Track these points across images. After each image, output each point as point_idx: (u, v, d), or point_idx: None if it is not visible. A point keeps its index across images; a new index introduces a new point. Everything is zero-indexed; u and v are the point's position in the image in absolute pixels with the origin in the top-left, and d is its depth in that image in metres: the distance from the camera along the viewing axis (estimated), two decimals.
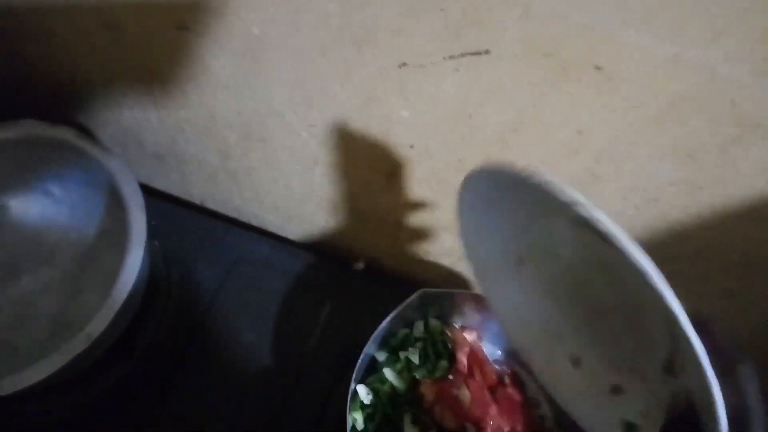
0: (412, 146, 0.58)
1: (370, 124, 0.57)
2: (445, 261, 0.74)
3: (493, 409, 0.64)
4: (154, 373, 0.70)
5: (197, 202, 0.85)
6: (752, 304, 0.58)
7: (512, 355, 0.70)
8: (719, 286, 0.59)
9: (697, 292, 0.60)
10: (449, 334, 0.68)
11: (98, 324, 0.57)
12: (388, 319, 0.60)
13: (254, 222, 0.84)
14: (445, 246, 0.71)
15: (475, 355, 0.68)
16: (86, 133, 0.78)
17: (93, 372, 0.65)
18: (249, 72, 0.57)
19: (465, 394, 0.65)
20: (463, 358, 0.67)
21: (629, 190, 0.53)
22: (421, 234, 0.71)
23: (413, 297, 0.62)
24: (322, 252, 0.82)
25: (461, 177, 0.59)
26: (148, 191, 0.86)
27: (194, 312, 0.74)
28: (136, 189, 0.63)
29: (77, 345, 0.57)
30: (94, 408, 0.67)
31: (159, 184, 0.85)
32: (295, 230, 0.82)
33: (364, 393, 0.63)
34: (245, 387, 0.70)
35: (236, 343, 0.73)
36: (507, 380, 0.68)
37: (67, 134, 0.64)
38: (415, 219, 0.69)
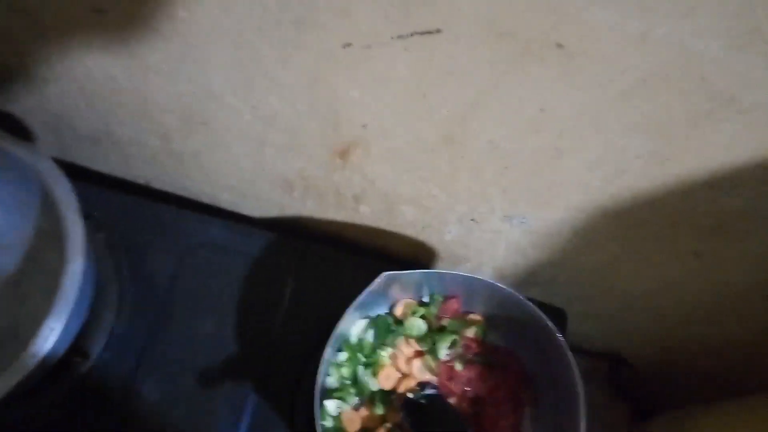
0: (365, 126, 0.54)
1: (318, 105, 0.53)
2: (409, 231, 0.72)
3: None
4: (114, 372, 0.67)
5: (142, 182, 0.80)
6: (717, 266, 0.58)
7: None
8: (687, 248, 0.58)
9: (666, 251, 0.60)
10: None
11: (46, 339, 0.54)
12: (347, 315, 0.58)
13: (206, 200, 0.80)
14: (407, 218, 0.69)
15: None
16: (16, 121, 0.72)
17: (47, 380, 0.62)
18: (181, 56, 0.52)
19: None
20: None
21: (595, 164, 0.50)
22: (381, 207, 0.68)
23: (374, 284, 0.59)
24: (282, 228, 0.78)
25: (421, 155, 0.56)
26: (88, 175, 0.80)
27: (150, 304, 0.71)
28: (68, 190, 0.58)
29: (26, 363, 0.54)
30: (52, 416, 0.64)
31: (99, 165, 0.79)
32: (251, 207, 0.78)
33: (332, 408, 0.63)
34: (211, 380, 0.68)
35: (198, 333, 0.70)
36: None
37: None
38: (374, 193, 0.66)
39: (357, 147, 0.58)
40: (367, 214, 0.71)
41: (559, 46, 0.40)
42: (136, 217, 0.74)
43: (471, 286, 0.65)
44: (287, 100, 0.53)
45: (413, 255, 0.76)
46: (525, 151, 0.51)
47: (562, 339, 0.61)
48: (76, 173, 0.67)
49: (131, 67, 0.55)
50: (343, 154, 0.60)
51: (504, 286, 0.62)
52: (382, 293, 0.67)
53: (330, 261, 0.75)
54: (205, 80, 0.54)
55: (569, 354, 0.60)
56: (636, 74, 0.40)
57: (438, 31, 0.41)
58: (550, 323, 0.61)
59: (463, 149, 0.53)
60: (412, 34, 0.42)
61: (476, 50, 0.42)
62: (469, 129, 0.50)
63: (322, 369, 0.58)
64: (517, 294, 0.61)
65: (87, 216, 0.68)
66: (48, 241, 0.65)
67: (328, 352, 0.59)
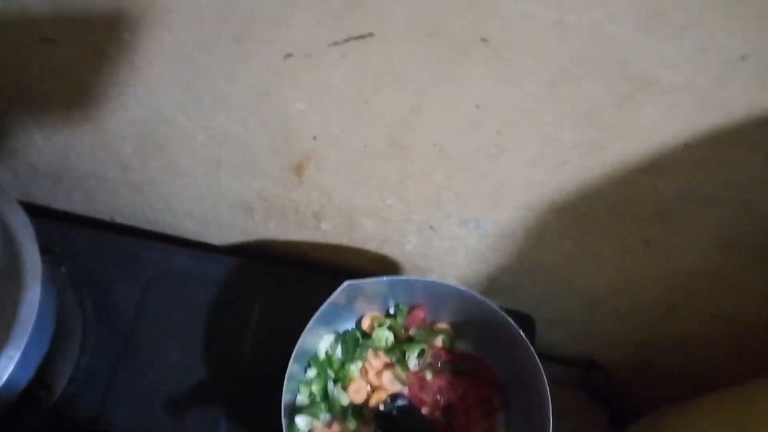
0: (314, 138, 0.56)
1: (267, 120, 0.55)
2: (371, 246, 0.73)
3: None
4: (81, 405, 0.66)
5: (106, 218, 0.80)
6: (667, 254, 0.60)
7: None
8: (636, 238, 0.60)
9: (616, 244, 0.62)
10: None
11: (5, 368, 0.53)
12: (309, 327, 0.59)
13: (170, 231, 0.80)
14: (368, 232, 0.70)
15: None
16: None
17: (12, 415, 0.61)
18: (130, 79, 0.53)
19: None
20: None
21: (536, 158, 0.52)
22: (341, 223, 0.69)
23: (335, 294, 0.60)
24: (246, 254, 0.79)
25: (371, 163, 0.58)
26: (50, 214, 0.81)
27: (116, 336, 0.70)
28: (24, 221, 0.58)
29: None
30: None
31: (62, 204, 0.80)
32: (215, 235, 0.79)
33: (303, 424, 0.63)
34: (182, 408, 0.67)
35: (166, 363, 0.69)
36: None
37: None
38: (332, 209, 0.67)
39: (310, 161, 0.59)
40: (328, 231, 0.72)
41: (484, 40, 0.42)
42: (99, 250, 0.75)
43: (436, 293, 0.66)
44: (236, 117, 0.55)
45: (378, 270, 0.76)
46: (469, 152, 0.53)
47: (525, 339, 0.61)
48: (39, 212, 0.68)
49: (82, 96, 0.56)
50: (298, 169, 0.61)
51: (467, 289, 0.62)
52: (348, 307, 0.68)
53: (295, 282, 0.75)
54: (156, 102, 0.55)
55: (535, 356, 0.61)
56: (558, 63, 0.42)
57: (370, 34, 0.43)
58: (513, 324, 0.62)
59: (411, 154, 0.55)
60: (347, 40, 0.44)
61: (409, 51, 0.44)
62: (413, 133, 0.52)
63: (286, 385, 0.58)
64: (480, 296, 0.62)
65: (48, 250, 0.68)
66: (7, 277, 0.65)
67: (291, 366, 0.59)
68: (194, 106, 0.54)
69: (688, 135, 0.46)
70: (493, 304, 0.62)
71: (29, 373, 0.59)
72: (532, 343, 0.76)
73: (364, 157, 0.57)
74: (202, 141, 0.59)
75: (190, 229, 0.79)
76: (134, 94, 0.55)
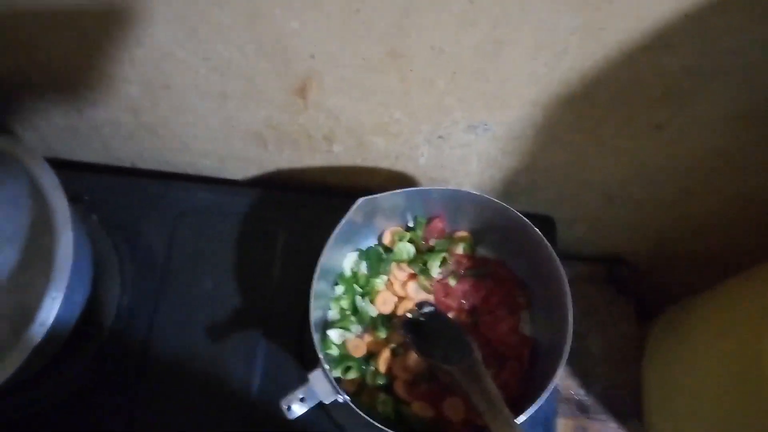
0: (312, 56, 0.56)
1: (264, 43, 0.55)
2: (385, 164, 0.74)
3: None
4: (128, 340, 0.71)
5: (128, 165, 0.83)
6: (679, 135, 0.59)
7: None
8: (647, 123, 0.59)
9: (627, 133, 0.61)
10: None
11: (50, 308, 0.57)
12: (329, 245, 0.61)
13: (190, 171, 0.82)
14: (380, 149, 0.70)
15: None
16: None
17: (66, 353, 0.65)
18: (126, 17, 0.53)
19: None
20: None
21: (536, 49, 0.51)
22: (352, 143, 0.70)
23: (351, 211, 0.62)
24: (265, 184, 0.81)
25: (372, 77, 0.58)
26: (75, 166, 0.83)
27: (151, 274, 0.74)
28: (49, 173, 0.61)
29: (36, 332, 0.57)
30: (79, 385, 0.68)
31: (83, 156, 0.82)
32: (232, 170, 0.81)
33: (335, 336, 0.66)
34: (221, 333, 0.71)
35: (201, 293, 0.73)
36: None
37: None
38: (341, 130, 0.67)
39: (312, 82, 0.60)
40: (341, 153, 0.73)
41: None
42: (125, 195, 0.78)
43: (453, 201, 0.67)
44: (234, 44, 0.55)
45: (395, 188, 0.77)
46: (467, 51, 0.52)
47: (543, 238, 0.62)
48: (63, 165, 0.70)
49: (84, 40, 0.57)
50: (301, 91, 0.61)
51: (482, 194, 0.63)
52: (368, 224, 0.70)
53: (316, 207, 0.77)
54: (152, 38, 0.56)
55: (553, 252, 0.62)
56: None
57: None
58: (530, 224, 0.63)
59: (410, 62, 0.55)
60: None
61: None
62: (409, 38, 0.52)
63: (312, 302, 0.60)
64: (496, 200, 0.63)
65: (78, 199, 0.71)
66: (42, 227, 0.68)
67: (316, 284, 0.61)
68: (190, 37, 0.55)
69: (688, 4, 0.45)
70: (510, 207, 0.63)
71: (75, 312, 0.63)
72: (553, 243, 0.77)
73: (364, 72, 0.57)
74: (204, 73, 0.60)
75: (209, 167, 0.81)
76: (133, 34, 0.55)
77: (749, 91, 0.52)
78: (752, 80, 0.50)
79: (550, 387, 0.57)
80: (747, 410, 0.59)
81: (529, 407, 0.56)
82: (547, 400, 0.70)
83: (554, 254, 0.62)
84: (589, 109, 0.58)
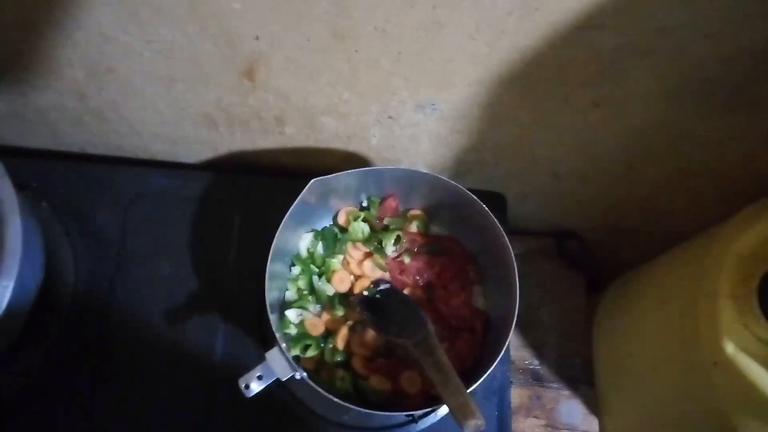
0: (257, 38, 0.56)
1: (207, 25, 0.55)
2: (337, 144, 0.75)
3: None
4: (86, 326, 0.71)
5: (77, 150, 0.82)
6: (616, 111, 0.61)
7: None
8: (585, 100, 0.61)
9: (568, 108, 0.63)
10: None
11: (2, 297, 0.57)
12: (283, 225, 0.61)
13: (142, 155, 0.82)
14: (331, 130, 0.71)
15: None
16: None
17: (23, 341, 0.65)
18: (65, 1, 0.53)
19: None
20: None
21: (475, 30, 0.52)
22: (303, 124, 0.70)
23: (304, 192, 0.62)
24: (219, 167, 0.81)
25: (318, 57, 0.58)
26: (22, 152, 0.82)
27: (106, 260, 0.74)
28: None
29: None
30: (38, 372, 0.68)
31: (32, 142, 0.81)
32: (185, 153, 0.80)
33: (293, 316, 0.67)
34: (180, 317, 0.72)
35: (158, 278, 0.73)
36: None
37: None
38: (292, 111, 0.68)
39: (259, 63, 0.60)
40: (294, 135, 0.73)
41: None
42: (75, 181, 0.77)
43: (406, 181, 0.69)
44: (176, 26, 0.55)
45: (349, 168, 0.78)
46: (410, 31, 0.53)
47: (491, 215, 0.64)
48: (11, 152, 0.69)
49: (23, 22, 0.56)
50: (249, 73, 0.61)
51: (433, 173, 0.65)
52: (322, 205, 0.71)
53: (271, 189, 0.78)
54: (93, 22, 0.55)
55: (500, 229, 0.64)
56: None
57: None
58: (479, 202, 0.64)
59: (355, 42, 0.55)
60: None
61: None
62: (351, 18, 0.52)
63: (267, 283, 0.61)
64: (446, 179, 0.65)
65: (26, 186, 0.70)
66: None
67: (271, 265, 0.62)
68: (131, 20, 0.54)
69: None
70: (460, 186, 0.65)
71: (29, 299, 0.63)
72: (504, 220, 0.79)
73: (309, 53, 0.57)
74: (149, 56, 0.60)
75: (161, 151, 0.80)
76: (72, 16, 0.54)
77: (679, 68, 0.54)
78: (681, 58, 0.52)
79: (500, 355, 0.59)
80: (687, 373, 0.63)
81: (482, 376, 0.58)
82: (501, 371, 0.74)
83: (502, 230, 0.64)
84: (531, 87, 0.59)
